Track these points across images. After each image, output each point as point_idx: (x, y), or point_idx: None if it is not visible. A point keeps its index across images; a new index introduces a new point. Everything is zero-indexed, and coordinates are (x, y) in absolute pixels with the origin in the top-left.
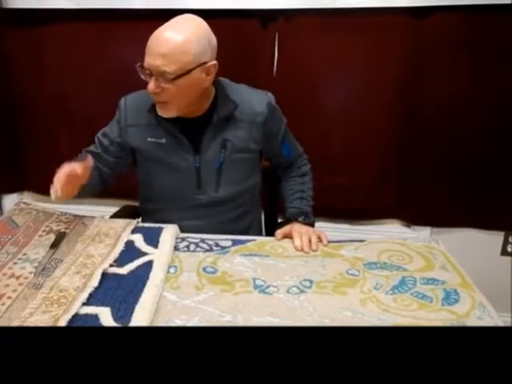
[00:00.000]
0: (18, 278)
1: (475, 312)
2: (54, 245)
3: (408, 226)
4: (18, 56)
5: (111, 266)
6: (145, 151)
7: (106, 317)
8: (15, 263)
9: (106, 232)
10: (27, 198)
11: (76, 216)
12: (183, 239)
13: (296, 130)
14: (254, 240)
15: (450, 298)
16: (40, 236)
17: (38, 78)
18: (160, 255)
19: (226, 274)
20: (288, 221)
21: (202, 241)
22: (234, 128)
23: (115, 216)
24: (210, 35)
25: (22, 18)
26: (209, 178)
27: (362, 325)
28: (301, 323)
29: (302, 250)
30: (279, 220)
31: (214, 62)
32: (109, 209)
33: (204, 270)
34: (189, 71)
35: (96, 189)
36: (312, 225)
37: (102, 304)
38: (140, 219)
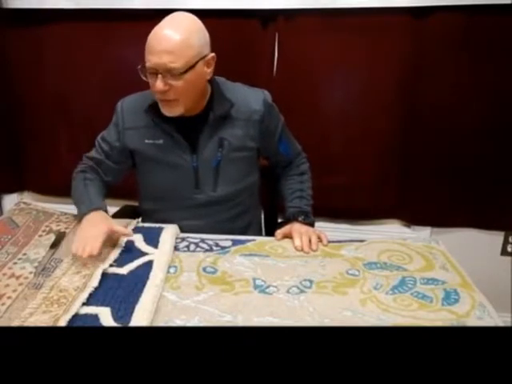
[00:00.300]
0: (18, 278)
1: (475, 312)
2: (54, 245)
3: (408, 226)
4: (18, 56)
5: (111, 266)
6: (143, 153)
7: (106, 317)
8: (15, 263)
9: None
10: (27, 198)
11: (76, 216)
12: (183, 239)
13: (296, 129)
14: (253, 240)
15: (450, 297)
16: (40, 236)
17: (38, 78)
18: (160, 255)
19: (226, 274)
20: (288, 220)
21: (202, 241)
22: (231, 126)
23: (115, 216)
24: (204, 29)
25: (22, 18)
26: (206, 177)
27: (362, 325)
28: (301, 323)
29: (301, 250)
30: (279, 220)
31: (213, 54)
32: (109, 209)
33: (204, 270)
34: (194, 65)
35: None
36: (312, 224)
37: (102, 304)
38: (140, 219)
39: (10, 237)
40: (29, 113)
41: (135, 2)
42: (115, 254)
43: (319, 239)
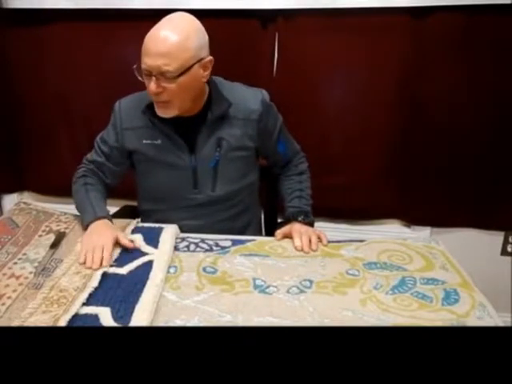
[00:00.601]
0: (18, 278)
1: (475, 312)
2: (54, 245)
3: (408, 226)
4: (18, 56)
5: (111, 266)
6: (141, 153)
7: (106, 317)
8: (15, 263)
9: None
10: (27, 198)
11: (76, 216)
12: (183, 239)
13: (296, 129)
14: (253, 240)
15: (450, 297)
16: (40, 236)
17: (38, 78)
18: (160, 255)
19: (226, 274)
20: (287, 220)
21: (202, 241)
22: (229, 126)
23: (115, 216)
24: (203, 31)
25: (22, 18)
26: (205, 177)
27: (362, 325)
28: (301, 323)
29: (301, 249)
30: (279, 220)
31: (210, 57)
32: (109, 209)
33: (204, 269)
34: (189, 68)
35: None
36: (312, 224)
37: (102, 304)
38: (139, 219)
39: (9, 237)
40: (29, 113)
41: (135, 1)
42: (115, 253)
43: (319, 239)
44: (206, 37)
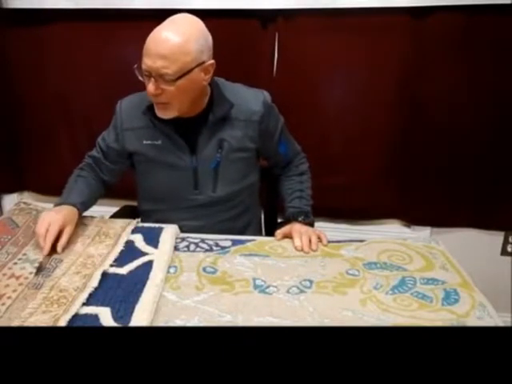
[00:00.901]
0: (18, 278)
1: (475, 312)
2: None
3: (408, 226)
4: (18, 56)
5: (111, 266)
6: (142, 154)
7: (106, 317)
8: (15, 263)
9: (105, 232)
10: (27, 198)
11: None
12: (183, 239)
13: (296, 129)
14: (253, 240)
15: (450, 297)
16: None
17: (38, 78)
18: (160, 255)
19: (226, 274)
20: (288, 220)
21: (202, 241)
22: (230, 127)
23: (115, 216)
24: (206, 34)
25: (22, 18)
26: (206, 178)
27: (362, 325)
28: (301, 323)
29: (301, 249)
30: (279, 220)
31: (212, 61)
32: (109, 209)
33: (204, 269)
34: (189, 71)
35: (100, 197)
36: (312, 224)
37: (102, 304)
38: (140, 219)
39: (9, 237)
40: (29, 113)
41: (135, 1)
42: (115, 253)
43: (319, 239)
44: (210, 40)
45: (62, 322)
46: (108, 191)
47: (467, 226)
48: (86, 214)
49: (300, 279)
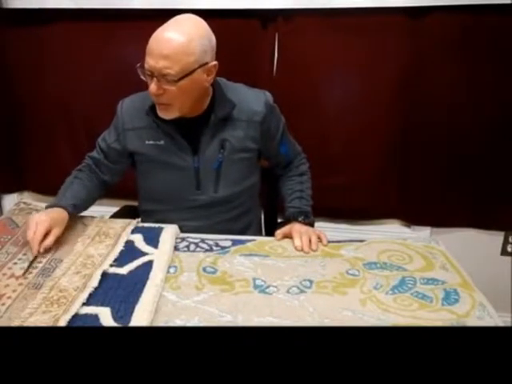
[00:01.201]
0: (17, 278)
1: (475, 312)
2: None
3: (408, 226)
4: (18, 56)
5: (111, 266)
6: (143, 154)
7: (106, 317)
8: (15, 263)
9: (105, 232)
10: (27, 198)
11: (76, 216)
12: (183, 239)
13: (296, 129)
14: (253, 240)
15: (450, 297)
16: None
17: (38, 78)
18: (160, 255)
19: (226, 274)
20: (288, 221)
21: (202, 241)
22: (232, 128)
23: (115, 216)
24: (210, 35)
25: (22, 18)
26: (208, 178)
27: (362, 325)
28: (301, 323)
29: (301, 249)
30: (279, 220)
31: (215, 62)
32: (109, 209)
33: (204, 270)
34: (191, 72)
35: (98, 197)
36: (312, 224)
37: (102, 304)
38: (140, 219)
39: (9, 237)
40: (29, 113)
41: (135, 2)
42: (115, 253)
43: (319, 239)
44: (213, 41)
45: (62, 322)
46: (108, 191)
47: (467, 226)
48: (85, 214)
49: (300, 279)
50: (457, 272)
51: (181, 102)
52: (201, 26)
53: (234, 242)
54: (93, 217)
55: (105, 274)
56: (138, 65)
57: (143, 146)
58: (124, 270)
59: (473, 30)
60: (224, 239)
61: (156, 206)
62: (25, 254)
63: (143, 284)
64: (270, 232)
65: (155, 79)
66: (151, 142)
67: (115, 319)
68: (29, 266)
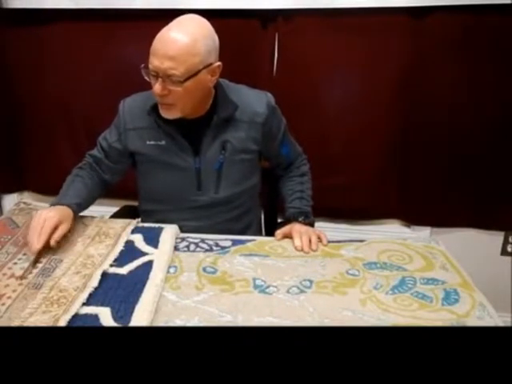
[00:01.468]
0: (17, 278)
1: (475, 312)
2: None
3: (408, 226)
4: (18, 56)
5: (111, 265)
6: (145, 154)
7: (105, 317)
8: (15, 263)
9: (105, 232)
10: (27, 198)
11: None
12: (183, 239)
13: (296, 130)
14: (253, 240)
15: (450, 297)
16: None
17: (38, 78)
18: (160, 255)
19: (226, 274)
20: (288, 221)
21: (202, 241)
22: (234, 129)
23: (115, 216)
24: (214, 35)
25: (22, 18)
26: (209, 179)
27: (362, 325)
28: (301, 323)
29: (301, 249)
30: (279, 220)
31: (219, 63)
32: (109, 209)
33: (204, 270)
34: (197, 73)
35: (98, 196)
36: (312, 224)
37: (102, 304)
38: (140, 219)
39: (9, 237)
40: (29, 113)
41: (136, 1)
42: (115, 253)
43: (319, 239)
44: (217, 41)
45: (62, 322)
46: (108, 191)
47: (467, 226)
48: (85, 213)
49: (300, 279)
50: (457, 272)
51: (184, 103)
52: (204, 26)
53: (234, 242)
54: (93, 217)
55: (105, 274)
56: (143, 65)
57: (144, 146)
58: (124, 270)
59: (474, 29)
60: (224, 239)
61: (156, 206)
62: (25, 254)
63: (143, 284)
64: (270, 232)
65: (160, 80)
66: (152, 143)
67: (115, 319)
68: (29, 266)
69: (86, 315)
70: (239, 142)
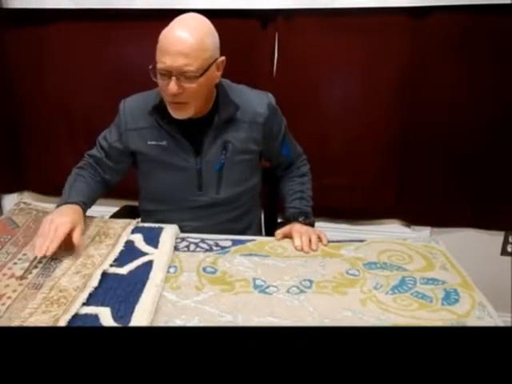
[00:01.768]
0: (18, 278)
1: (475, 312)
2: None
3: (408, 226)
4: (18, 56)
5: (111, 266)
6: (146, 154)
7: (105, 317)
8: (15, 263)
9: (105, 232)
10: (27, 198)
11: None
12: (183, 239)
13: (296, 130)
14: (253, 240)
15: (450, 297)
16: None
17: (38, 78)
18: (160, 255)
19: (226, 274)
20: (288, 221)
21: (202, 241)
22: (235, 129)
23: (115, 216)
24: (215, 31)
25: (22, 18)
26: (210, 179)
27: (362, 325)
28: (301, 323)
29: (301, 249)
30: (279, 220)
31: (223, 57)
32: (109, 209)
33: (204, 270)
34: (208, 67)
35: (100, 196)
36: (312, 225)
37: (102, 304)
38: (140, 219)
39: (9, 237)
40: (29, 113)
41: (136, 1)
42: (115, 253)
43: (319, 239)
44: (218, 37)
45: (62, 322)
46: (108, 191)
47: (467, 226)
48: (86, 213)
49: (300, 279)
50: (457, 272)
51: (197, 100)
52: (206, 23)
53: (234, 242)
54: (93, 217)
55: (105, 274)
56: (151, 66)
57: (145, 146)
58: (124, 270)
59: (474, 29)
60: (224, 239)
61: (157, 206)
62: (25, 254)
63: (143, 284)
64: (270, 232)
65: (174, 78)
66: (153, 143)
67: (115, 319)
68: (29, 266)
69: (85, 315)
70: (240, 143)
